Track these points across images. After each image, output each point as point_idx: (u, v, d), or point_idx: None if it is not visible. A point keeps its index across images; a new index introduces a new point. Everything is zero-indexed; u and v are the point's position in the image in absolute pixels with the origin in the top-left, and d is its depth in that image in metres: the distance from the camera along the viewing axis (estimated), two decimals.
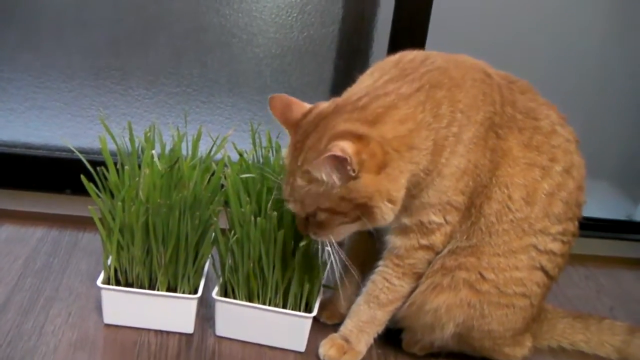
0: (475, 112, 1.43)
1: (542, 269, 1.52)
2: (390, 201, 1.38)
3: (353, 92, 1.44)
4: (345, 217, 1.40)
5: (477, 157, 1.43)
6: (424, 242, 1.49)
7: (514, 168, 1.47)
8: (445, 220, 1.47)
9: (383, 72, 1.46)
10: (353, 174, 1.33)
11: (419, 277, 1.53)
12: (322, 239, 1.45)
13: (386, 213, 1.38)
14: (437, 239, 1.49)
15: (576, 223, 1.56)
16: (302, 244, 1.52)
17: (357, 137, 1.33)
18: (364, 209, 1.38)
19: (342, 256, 1.47)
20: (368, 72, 1.51)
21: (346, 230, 1.45)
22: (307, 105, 1.47)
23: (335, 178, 1.34)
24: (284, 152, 1.46)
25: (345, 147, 1.30)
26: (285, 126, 1.47)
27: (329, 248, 1.45)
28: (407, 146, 1.37)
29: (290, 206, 1.44)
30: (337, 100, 1.43)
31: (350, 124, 1.36)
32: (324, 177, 1.34)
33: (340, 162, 1.31)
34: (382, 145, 1.35)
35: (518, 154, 1.47)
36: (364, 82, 1.46)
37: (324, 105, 1.43)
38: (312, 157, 1.35)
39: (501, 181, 1.46)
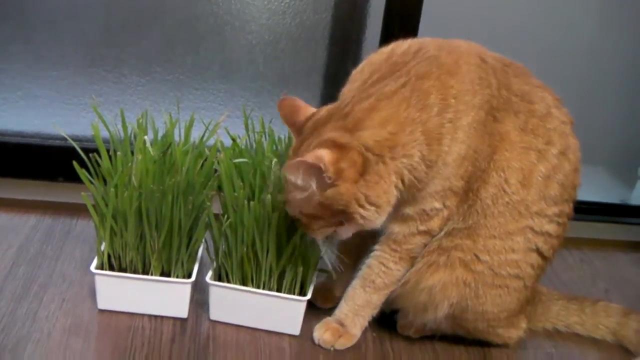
0: (472, 97, 1.42)
1: (538, 251, 1.53)
2: (372, 204, 1.39)
3: (344, 96, 1.45)
4: (324, 222, 1.43)
5: (477, 142, 1.43)
6: (422, 228, 1.50)
7: (511, 152, 1.47)
8: (444, 205, 1.47)
9: (373, 68, 1.46)
10: (329, 182, 1.35)
11: (415, 260, 1.54)
12: (316, 237, 1.48)
13: (370, 217, 1.41)
14: (435, 223, 1.49)
15: (571, 205, 1.56)
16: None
17: (338, 146, 1.35)
18: (343, 216, 1.40)
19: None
20: (359, 68, 1.52)
21: (340, 233, 1.47)
22: (312, 110, 1.48)
23: (314, 185, 1.37)
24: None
25: (321, 155, 1.33)
26: (290, 129, 1.50)
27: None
28: (388, 148, 1.37)
29: (287, 208, 1.47)
30: (331, 107, 1.44)
31: (333, 133, 1.38)
32: (300, 182, 1.37)
33: (316, 170, 1.33)
34: (362, 152, 1.36)
35: (515, 139, 1.47)
36: (355, 82, 1.47)
37: (323, 111, 1.44)
38: None
39: (498, 165, 1.46)
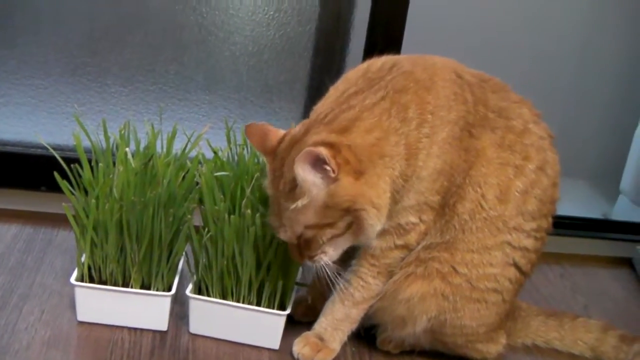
0: (447, 112, 1.43)
1: (515, 265, 1.53)
2: (374, 206, 1.39)
3: (319, 110, 1.45)
4: (333, 228, 1.41)
5: (453, 157, 1.44)
6: (399, 242, 1.50)
7: (487, 168, 1.47)
8: (420, 219, 1.48)
9: (349, 84, 1.47)
10: (333, 175, 1.34)
11: (393, 273, 1.54)
12: (319, 262, 1.45)
13: (372, 219, 1.39)
14: (412, 237, 1.50)
15: (550, 219, 1.56)
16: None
17: (329, 144, 1.35)
18: (351, 215, 1.39)
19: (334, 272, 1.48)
20: (335, 84, 1.52)
21: (339, 247, 1.45)
22: (282, 132, 1.48)
23: (318, 180, 1.35)
24: (265, 182, 1.47)
25: (320, 148, 1.32)
26: (263, 154, 1.49)
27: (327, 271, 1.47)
28: (378, 155, 1.38)
29: (281, 235, 1.45)
30: (305, 121, 1.44)
31: (318, 136, 1.37)
32: (308, 178, 1.35)
33: (319, 162, 1.33)
34: (354, 152, 1.36)
35: (491, 155, 1.47)
36: (330, 97, 1.47)
37: (296, 129, 1.44)
38: None
39: (475, 181, 1.47)
